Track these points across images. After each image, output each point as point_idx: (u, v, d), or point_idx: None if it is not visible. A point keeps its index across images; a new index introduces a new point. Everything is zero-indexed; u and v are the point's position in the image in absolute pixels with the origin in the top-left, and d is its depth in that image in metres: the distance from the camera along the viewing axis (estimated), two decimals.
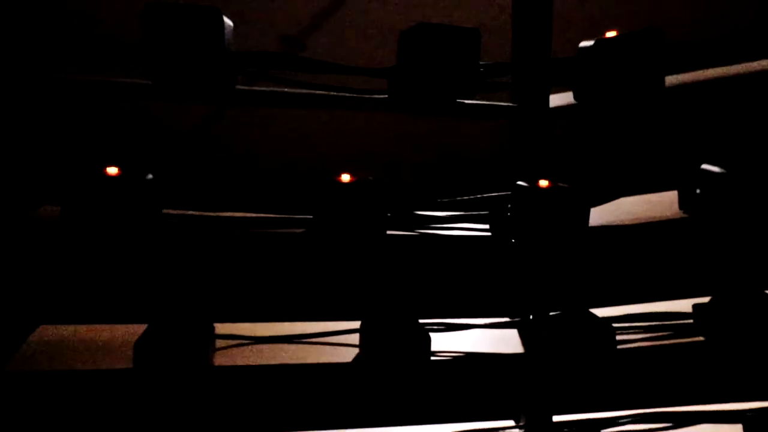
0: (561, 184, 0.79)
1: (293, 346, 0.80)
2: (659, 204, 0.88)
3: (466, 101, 0.77)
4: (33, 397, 0.76)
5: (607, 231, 0.81)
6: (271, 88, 0.74)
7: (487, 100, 0.79)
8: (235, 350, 0.76)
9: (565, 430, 0.88)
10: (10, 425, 0.76)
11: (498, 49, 0.87)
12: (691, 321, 0.86)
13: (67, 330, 0.81)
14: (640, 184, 0.86)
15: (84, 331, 0.81)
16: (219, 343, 0.76)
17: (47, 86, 0.69)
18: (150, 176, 0.69)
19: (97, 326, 0.81)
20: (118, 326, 0.81)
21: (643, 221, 0.84)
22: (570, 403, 0.88)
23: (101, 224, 0.66)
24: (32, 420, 0.76)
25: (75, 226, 0.65)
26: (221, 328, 0.77)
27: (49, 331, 0.82)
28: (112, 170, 0.67)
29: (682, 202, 0.85)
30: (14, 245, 0.76)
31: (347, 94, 0.78)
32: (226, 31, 0.67)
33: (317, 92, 0.76)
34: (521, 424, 0.90)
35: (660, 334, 0.84)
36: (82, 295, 0.79)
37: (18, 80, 0.64)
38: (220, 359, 0.74)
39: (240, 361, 0.75)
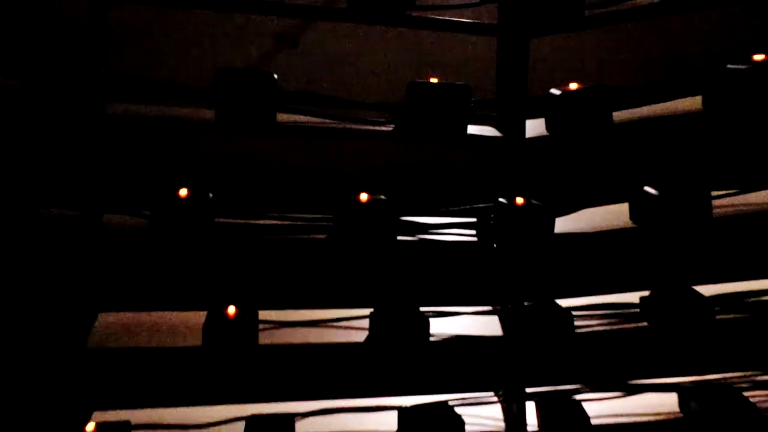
0: (533, 201, 0.99)
1: (319, 329, 0.99)
2: (613, 214, 1.09)
3: (461, 133, 0.97)
4: (111, 370, 0.95)
5: (569, 237, 1.01)
6: (296, 122, 0.93)
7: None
8: (274, 332, 0.96)
9: (535, 398, 1.09)
10: (94, 392, 0.95)
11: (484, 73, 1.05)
12: (637, 310, 1.07)
13: (127, 316, 1.00)
14: (600, 198, 1.07)
15: (145, 316, 1.00)
16: (262, 326, 0.95)
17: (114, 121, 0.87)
18: (210, 195, 0.88)
19: (157, 313, 1.00)
20: (176, 313, 1.00)
21: (599, 230, 1.04)
22: (539, 377, 1.09)
23: (178, 232, 0.86)
24: (111, 388, 0.95)
25: (160, 233, 0.84)
26: (263, 314, 0.96)
27: (112, 318, 1.01)
28: (183, 192, 0.86)
29: (632, 214, 1.05)
30: (90, 246, 0.95)
31: (362, 127, 0.97)
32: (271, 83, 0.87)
33: (334, 124, 0.95)
34: (500, 394, 1.11)
35: (611, 320, 1.05)
36: (153, 286, 0.97)
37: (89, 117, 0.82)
38: (263, 339, 0.94)
39: (278, 341, 0.95)
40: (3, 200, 0.84)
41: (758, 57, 0.93)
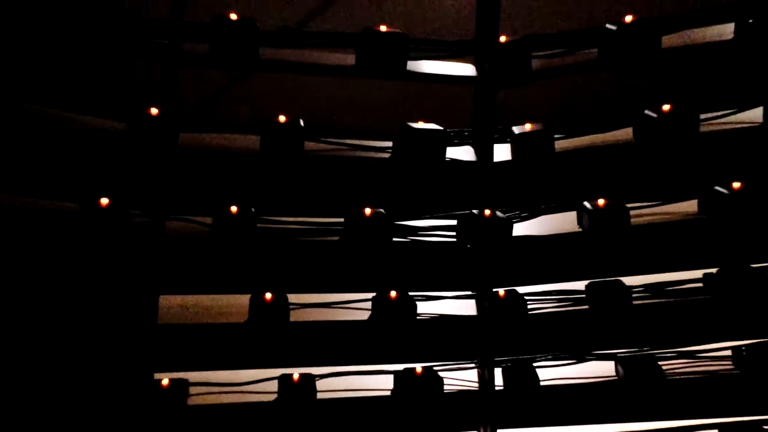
0: (497, 213, 1.30)
1: (333, 309, 1.30)
2: (563, 221, 1.39)
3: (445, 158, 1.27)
4: (180, 343, 1.25)
5: (524, 239, 1.32)
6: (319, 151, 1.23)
7: None
8: (300, 311, 1.27)
9: (502, 365, 1.40)
10: (164, 360, 1.25)
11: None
12: (582, 296, 1.38)
13: (190, 298, 1.30)
14: (550, 209, 1.37)
15: (204, 299, 1.30)
16: (291, 307, 1.26)
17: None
18: (252, 209, 1.19)
19: (211, 296, 1.31)
20: (224, 296, 1.30)
21: (550, 233, 1.35)
22: (505, 349, 1.40)
23: (233, 235, 1.16)
24: (179, 358, 1.25)
25: (219, 236, 1.15)
26: (292, 298, 1.27)
27: (172, 299, 1.31)
28: (234, 208, 1.17)
29: (579, 221, 1.36)
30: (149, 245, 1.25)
31: (362, 154, 1.28)
32: None
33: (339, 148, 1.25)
34: (476, 362, 1.42)
35: (556, 304, 1.36)
36: (206, 275, 1.28)
37: None
38: (293, 317, 1.24)
39: (302, 318, 1.26)
40: (101, 208, 1.15)
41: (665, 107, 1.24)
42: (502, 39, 1.27)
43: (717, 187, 1.30)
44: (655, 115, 1.25)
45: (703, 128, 1.27)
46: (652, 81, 1.36)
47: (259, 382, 1.30)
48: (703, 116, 1.26)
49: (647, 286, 1.38)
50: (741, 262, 1.35)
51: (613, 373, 1.41)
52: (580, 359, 1.41)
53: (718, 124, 1.31)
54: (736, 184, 1.28)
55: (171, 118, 1.16)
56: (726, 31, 1.25)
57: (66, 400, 1.25)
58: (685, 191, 1.34)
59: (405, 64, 1.23)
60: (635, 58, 1.22)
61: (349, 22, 1.32)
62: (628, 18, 1.22)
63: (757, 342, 1.38)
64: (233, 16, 1.16)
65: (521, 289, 1.36)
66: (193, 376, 1.30)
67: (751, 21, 1.24)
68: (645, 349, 1.39)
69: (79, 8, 1.11)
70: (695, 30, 1.28)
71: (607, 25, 1.24)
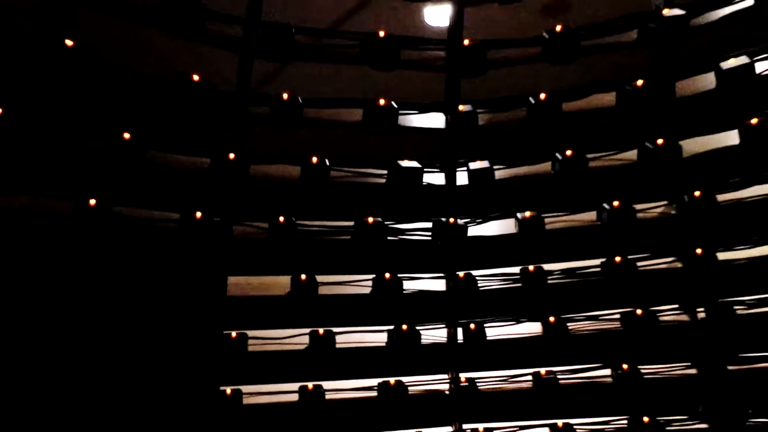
0: (458, 220, 1.92)
1: (345, 286, 1.92)
2: (504, 226, 2.02)
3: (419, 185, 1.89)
4: (241, 308, 1.85)
5: (477, 238, 1.95)
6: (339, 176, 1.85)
7: None
8: (324, 287, 1.88)
9: (463, 325, 2.02)
10: (231, 320, 1.85)
11: None
12: (517, 276, 2.00)
13: (255, 278, 1.91)
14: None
15: (256, 278, 1.91)
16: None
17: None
18: (294, 218, 1.79)
19: (261, 277, 1.91)
20: (270, 277, 1.91)
21: (494, 234, 1.98)
22: (464, 314, 2.02)
23: (285, 236, 1.77)
24: (241, 318, 1.85)
25: (275, 238, 1.76)
26: (320, 278, 1.88)
27: (236, 279, 1.91)
28: (282, 218, 1.78)
29: (515, 226, 1.99)
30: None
31: (363, 180, 1.89)
32: None
33: (352, 174, 1.87)
34: (445, 323, 2.04)
35: (499, 283, 1.99)
36: (260, 262, 1.89)
37: None
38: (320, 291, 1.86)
39: (326, 292, 1.87)
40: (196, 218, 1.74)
41: (568, 152, 1.88)
42: (461, 108, 1.89)
43: (604, 204, 1.94)
44: (560, 157, 1.89)
45: (592, 164, 1.90)
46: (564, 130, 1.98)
47: (295, 337, 1.91)
48: (591, 156, 1.90)
49: (562, 270, 2.02)
50: (623, 254, 1.98)
51: (539, 332, 2.04)
52: (516, 321, 2.04)
53: (606, 160, 1.94)
54: (615, 203, 1.92)
55: (245, 157, 1.76)
56: (605, 100, 1.88)
57: (158, 350, 1.84)
58: (585, 206, 1.98)
59: (396, 124, 1.85)
60: None
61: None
62: None
63: (634, 309, 2.01)
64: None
65: (475, 272, 1.99)
66: (250, 332, 1.90)
67: (628, 88, 1.87)
68: (560, 314, 2.03)
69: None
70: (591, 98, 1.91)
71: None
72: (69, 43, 1.52)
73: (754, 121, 1.80)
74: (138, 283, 1.79)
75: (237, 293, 1.88)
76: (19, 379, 1.70)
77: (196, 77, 1.69)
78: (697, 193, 1.90)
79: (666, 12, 1.75)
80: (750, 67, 1.74)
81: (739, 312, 1.95)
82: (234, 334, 1.86)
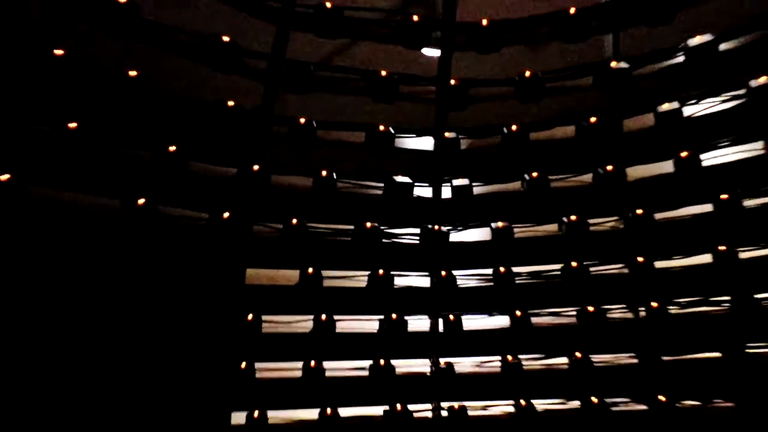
0: (442, 228, 2.30)
1: (347, 279, 2.27)
2: (481, 234, 2.40)
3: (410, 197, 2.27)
4: (257, 295, 2.20)
5: (458, 243, 2.33)
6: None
7: None
8: (327, 280, 2.23)
9: (444, 317, 2.38)
10: (249, 306, 2.20)
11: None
12: (491, 276, 2.38)
13: (269, 271, 2.26)
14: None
15: (279, 272, 2.26)
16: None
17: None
18: (305, 222, 2.16)
19: (273, 270, 2.26)
20: (281, 270, 2.26)
21: (472, 240, 2.36)
22: (445, 307, 2.38)
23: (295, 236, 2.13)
24: (257, 304, 2.20)
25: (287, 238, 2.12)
26: (325, 273, 2.24)
27: (254, 271, 2.26)
28: (294, 221, 2.14)
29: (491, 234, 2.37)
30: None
31: (367, 191, 2.27)
32: None
33: (355, 185, 2.25)
34: (428, 315, 2.40)
35: (476, 282, 2.36)
36: (272, 257, 2.24)
37: None
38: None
39: (330, 284, 2.23)
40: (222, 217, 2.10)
41: (534, 174, 2.27)
42: (447, 134, 2.28)
43: (564, 218, 2.33)
44: (528, 178, 2.28)
45: (554, 184, 2.30)
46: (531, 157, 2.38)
47: (301, 321, 2.26)
48: (553, 177, 2.29)
49: (528, 272, 2.40)
50: (579, 260, 2.37)
51: (508, 324, 2.41)
52: (493, 315, 2.41)
53: (566, 182, 2.34)
54: (573, 217, 2.32)
55: (266, 168, 2.13)
56: (566, 132, 2.29)
57: (187, 328, 2.18)
58: (548, 219, 2.37)
59: (393, 145, 2.23)
60: None
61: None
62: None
63: (587, 307, 2.39)
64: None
65: (455, 272, 2.36)
66: (264, 317, 2.25)
67: (584, 124, 2.27)
68: (525, 310, 2.40)
69: None
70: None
71: None
72: (132, 73, 1.88)
73: (684, 154, 2.21)
74: (172, 270, 2.13)
75: (254, 282, 2.23)
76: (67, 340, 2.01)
77: (231, 103, 2.06)
78: (639, 211, 2.30)
79: (613, 64, 2.16)
80: (679, 111, 2.16)
81: (672, 312, 2.35)
82: (250, 317, 2.21)
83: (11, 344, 1.91)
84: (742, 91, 2.12)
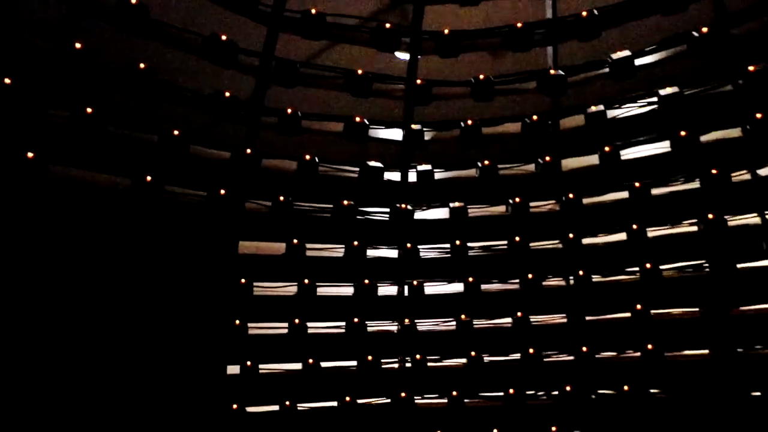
0: (408, 206, 2.69)
1: (326, 251, 2.64)
2: (442, 212, 2.81)
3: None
4: (249, 264, 2.54)
5: (421, 221, 2.73)
6: None
7: None
8: (309, 251, 2.60)
9: (408, 284, 2.79)
10: (242, 273, 2.53)
11: None
12: (449, 249, 2.80)
13: (261, 243, 2.60)
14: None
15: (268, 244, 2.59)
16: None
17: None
18: (290, 199, 2.51)
19: (260, 242, 2.60)
20: (267, 242, 2.60)
21: (435, 218, 2.77)
22: (410, 274, 2.80)
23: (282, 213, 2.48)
24: (249, 271, 2.54)
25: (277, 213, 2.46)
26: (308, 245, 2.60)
27: (245, 243, 2.59)
28: (282, 198, 2.48)
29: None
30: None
31: (344, 174, 2.63)
32: None
33: (334, 169, 2.61)
34: (395, 281, 2.80)
35: (437, 253, 2.78)
36: (261, 231, 2.58)
37: None
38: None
39: (312, 254, 2.59)
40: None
41: (486, 162, 2.70)
42: (414, 126, 2.67)
43: (510, 200, 2.77)
44: (481, 165, 2.71)
45: (502, 172, 2.73)
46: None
47: (287, 286, 2.61)
48: (502, 166, 2.72)
49: (480, 246, 2.84)
50: (522, 237, 2.82)
51: (462, 289, 2.85)
52: (450, 282, 2.84)
53: (512, 170, 2.78)
54: (517, 199, 2.76)
55: (257, 153, 2.45)
56: (513, 127, 2.72)
57: (188, 288, 2.49)
58: (497, 201, 2.80)
59: (367, 135, 2.60)
60: None
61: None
62: None
63: (527, 275, 2.85)
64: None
65: (419, 245, 2.77)
66: (255, 282, 2.59)
67: (528, 121, 2.71)
68: (477, 277, 2.84)
69: None
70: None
71: None
72: (141, 66, 2.16)
73: (607, 149, 2.68)
74: (174, 241, 2.44)
75: (246, 252, 2.57)
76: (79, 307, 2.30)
77: (227, 94, 2.37)
78: (571, 195, 2.77)
79: (552, 72, 2.60)
80: (604, 113, 2.63)
81: (595, 280, 2.84)
82: (243, 281, 2.54)
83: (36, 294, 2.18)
84: (654, 99, 2.61)
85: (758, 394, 2.51)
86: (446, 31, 2.54)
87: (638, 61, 2.55)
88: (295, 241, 2.58)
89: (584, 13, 2.46)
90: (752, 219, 2.60)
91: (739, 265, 2.56)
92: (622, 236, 2.78)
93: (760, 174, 2.58)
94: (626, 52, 2.55)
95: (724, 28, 2.44)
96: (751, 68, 2.39)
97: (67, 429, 2.21)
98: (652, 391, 2.66)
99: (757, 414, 2.48)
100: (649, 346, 2.73)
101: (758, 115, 2.42)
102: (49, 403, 2.18)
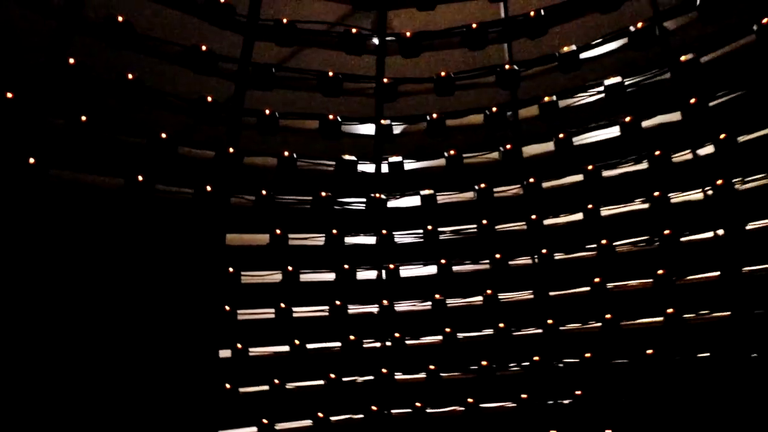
0: (382, 196, 2.92)
1: (309, 240, 2.86)
2: (414, 200, 3.05)
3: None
4: (236, 254, 2.75)
5: (394, 209, 2.96)
6: None
7: None
8: (291, 240, 2.81)
9: (384, 267, 3.02)
10: (229, 261, 2.75)
11: None
12: (422, 234, 3.03)
13: (246, 235, 2.81)
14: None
15: (242, 236, 2.80)
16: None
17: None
18: (274, 194, 2.72)
19: (245, 234, 2.81)
20: (252, 234, 2.81)
21: (406, 206, 3.00)
22: (385, 258, 3.02)
23: (266, 207, 2.70)
24: (235, 260, 2.75)
25: (261, 207, 2.68)
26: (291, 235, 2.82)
27: (231, 235, 2.80)
28: (264, 192, 2.69)
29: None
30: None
31: (322, 168, 2.86)
32: None
33: (313, 164, 2.83)
34: (373, 264, 3.03)
35: (411, 239, 3.01)
36: (248, 223, 2.79)
37: None
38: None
39: (294, 243, 2.81)
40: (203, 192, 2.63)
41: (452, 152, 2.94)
42: (384, 121, 2.89)
43: (476, 186, 3.00)
44: (447, 155, 2.94)
45: (468, 161, 2.96)
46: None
47: (271, 274, 2.83)
48: (467, 155, 2.96)
49: (451, 230, 3.07)
50: (489, 220, 3.06)
51: (435, 272, 3.08)
52: (424, 265, 3.07)
53: (477, 158, 3.01)
54: (483, 185, 2.99)
55: (240, 151, 2.66)
56: (476, 119, 2.96)
57: (178, 278, 2.70)
58: (464, 188, 3.04)
59: (340, 131, 2.82)
60: None
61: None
62: None
63: (495, 255, 3.09)
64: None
65: (394, 231, 3.00)
66: (242, 271, 2.80)
67: (488, 113, 2.95)
68: (449, 260, 3.07)
69: None
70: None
71: None
72: (130, 76, 2.37)
73: (561, 135, 2.93)
74: (166, 235, 2.65)
75: (232, 244, 2.78)
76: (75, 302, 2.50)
77: (209, 98, 2.58)
78: (531, 180, 3.01)
79: (507, 67, 2.84)
80: (556, 103, 2.87)
81: (557, 258, 3.09)
82: (231, 270, 2.75)
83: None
84: (601, 89, 2.86)
85: (706, 355, 2.77)
86: (408, 34, 2.77)
87: (584, 55, 2.80)
88: (278, 231, 2.79)
89: (532, 13, 2.70)
90: (694, 195, 2.87)
91: (683, 239, 2.82)
92: (579, 216, 3.03)
93: (699, 154, 2.84)
94: (573, 47, 2.79)
95: (658, 22, 2.70)
96: (683, 58, 2.65)
97: (64, 413, 2.40)
98: (611, 357, 2.91)
99: (703, 372, 2.74)
100: (608, 316, 2.99)
101: (692, 100, 2.68)
102: (47, 391, 2.39)
